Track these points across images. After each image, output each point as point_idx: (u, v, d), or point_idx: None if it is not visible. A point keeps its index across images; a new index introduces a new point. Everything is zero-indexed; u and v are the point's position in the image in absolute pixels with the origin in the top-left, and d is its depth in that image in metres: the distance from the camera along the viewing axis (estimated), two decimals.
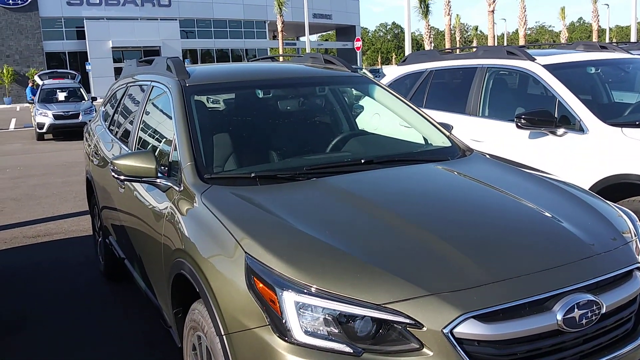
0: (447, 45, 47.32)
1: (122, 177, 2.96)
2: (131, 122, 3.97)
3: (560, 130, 4.30)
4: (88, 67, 37.91)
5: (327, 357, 1.84)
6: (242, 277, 2.06)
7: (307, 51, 43.09)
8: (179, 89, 3.27)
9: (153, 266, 3.12)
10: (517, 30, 47.43)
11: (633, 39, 37.82)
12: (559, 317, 1.91)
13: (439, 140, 3.44)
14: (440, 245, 2.10)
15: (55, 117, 16.87)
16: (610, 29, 79.52)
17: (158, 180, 2.91)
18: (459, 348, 1.82)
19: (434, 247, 2.09)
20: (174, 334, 2.95)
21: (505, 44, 77.05)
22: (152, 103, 3.73)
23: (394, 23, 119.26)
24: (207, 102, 3.54)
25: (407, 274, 1.94)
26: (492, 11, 44.02)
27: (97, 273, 5.05)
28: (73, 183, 9.58)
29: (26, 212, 7.62)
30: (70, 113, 17.17)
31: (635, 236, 2.38)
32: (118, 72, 46.15)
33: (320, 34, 79.13)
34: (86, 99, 18.82)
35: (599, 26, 53.49)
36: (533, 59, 4.79)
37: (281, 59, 6.05)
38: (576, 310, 1.93)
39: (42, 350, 3.72)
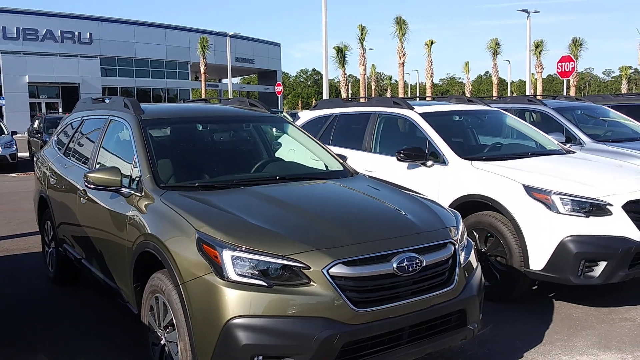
0: (362, 93, 50.35)
1: (92, 187, 3.93)
2: (90, 148, 4.91)
3: (430, 163, 5.65)
4: (2, 102, 37.09)
5: (250, 289, 2.91)
6: (194, 246, 3.11)
7: (229, 94, 44.29)
8: (137, 122, 4.29)
9: (114, 257, 4.06)
10: None
11: (528, 92, 42.07)
12: (395, 265, 3.09)
13: (335, 166, 4.67)
14: (323, 223, 3.28)
15: None
16: (512, 82, 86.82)
17: (123, 189, 3.90)
18: (332, 281, 2.95)
19: (320, 223, 3.27)
20: (131, 306, 3.89)
21: (417, 93, 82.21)
22: (111, 133, 4.71)
23: (314, 69, 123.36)
24: (160, 131, 4.57)
25: (303, 238, 3.08)
26: (402, 63, 47.50)
27: (46, 279, 5.81)
28: (4, 211, 10.03)
29: None
30: None
31: (454, 225, 3.62)
32: (33, 107, 45.12)
33: (242, 77, 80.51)
34: (6, 132, 18.88)
35: (499, 79, 58.67)
36: (412, 108, 6.18)
37: (214, 100, 7.21)
38: (405, 262, 3.12)
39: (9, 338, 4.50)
